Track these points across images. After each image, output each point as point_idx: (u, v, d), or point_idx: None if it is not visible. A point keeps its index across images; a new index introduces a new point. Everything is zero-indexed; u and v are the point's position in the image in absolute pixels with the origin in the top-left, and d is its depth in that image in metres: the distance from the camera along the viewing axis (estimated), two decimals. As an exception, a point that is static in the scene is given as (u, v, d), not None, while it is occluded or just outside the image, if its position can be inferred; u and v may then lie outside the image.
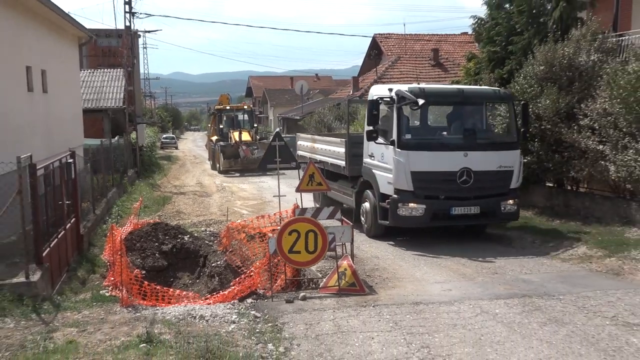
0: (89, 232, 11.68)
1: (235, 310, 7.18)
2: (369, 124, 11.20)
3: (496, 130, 12.75)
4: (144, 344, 5.76)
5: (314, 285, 8.56)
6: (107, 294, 8.29)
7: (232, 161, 27.46)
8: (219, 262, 9.53)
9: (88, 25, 21.61)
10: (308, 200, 12.14)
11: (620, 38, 14.18)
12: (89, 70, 31.52)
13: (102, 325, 6.65)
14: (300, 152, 16.33)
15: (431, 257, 9.99)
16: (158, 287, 8.15)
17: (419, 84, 13.25)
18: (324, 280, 8.43)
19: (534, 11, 15.12)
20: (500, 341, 6.12)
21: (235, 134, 28.10)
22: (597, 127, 11.54)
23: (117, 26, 28.75)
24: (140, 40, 45.86)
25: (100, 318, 6.99)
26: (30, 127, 13.58)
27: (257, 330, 6.50)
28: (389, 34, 41.93)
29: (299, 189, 9.99)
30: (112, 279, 8.65)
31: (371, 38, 41.05)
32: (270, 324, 6.74)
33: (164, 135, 57.55)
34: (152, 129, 43.83)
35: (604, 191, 12.50)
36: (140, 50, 49.03)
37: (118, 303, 7.60)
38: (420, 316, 6.93)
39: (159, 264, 9.79)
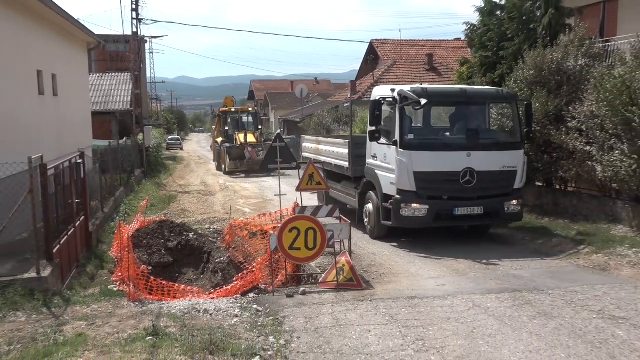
0: (97, 229, 11.67)
1: (238, 305, 7.17)
2: (371, 125, 10.84)
3: (499, 131, 12.22)
4: (151, 337, 5.76)
5: (313, 281, 8.56)
6: (115, 289, 8.28)
7: (237, 162, 27.10)
8: (222, 258, 9.53)
9: (97, 31, 21.62)
10: (308, 200, 12.13)
11: (607, 44, 14.19)
12: (98, 74, 31.55)
13: (110, 318, 6.65)
14: (304, 154, 15.85)
15: (425, 253, 9.97)
16: (164, 283, 8.15)
17: (421, 84, 13.15)
18: (323, 275, 8.43)
19: (524, 18, 15.13)
20: (491, 334, 6.12)
21: (241, 136, 27.73)
22: (584, 129, 11.54)
23: (125, 32, 28.89)
24: (147, 46, 45.83)
25: (108, 312, 6.99)
26: (41, 129, 13.57)
27: (259, 324, 6.49)
28: (386, 39, 41.85)
29: (299, 188, 9.98)
30: (120, 274, 8.65)
31: (368, 43, 40.98)
32: (271, 318, 6.73)
33: (170, 137, 57.43)
34: (158, 131, 43.74)
35: (591, 190, 12.50)
36: (147, 55, 48.94)
37: (125, 297, 7.60)
38: (415, 310, 6.93)
39: (165, 260, 9.78)
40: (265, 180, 23.41)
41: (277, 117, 52.99)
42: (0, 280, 7.35)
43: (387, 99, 10.62)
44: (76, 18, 16.51)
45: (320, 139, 15.58)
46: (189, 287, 8.45)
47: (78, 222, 10.02)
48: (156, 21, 34.66)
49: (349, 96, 36.64)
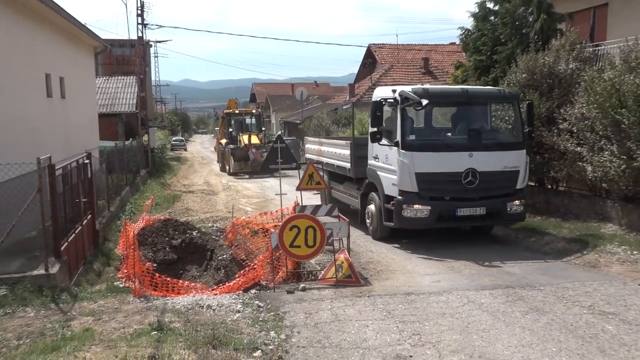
0: (104, 227, 11.66)
1: (240, 301, 7.17)
2: (372, 126, 10.52)
3: (501, 130, 11.76)
4: (155, 332, 5.76)
5: (313, 277, 8.55)
6: (121, 285, 8.28)
7: (242, 163, 26.68)
8: (224, 256, 9.52)
9: (103, 35, 21.63)
10: (308, 199, 12.11)
11: (597, 48, 14.20)
12: (104, 78, 31.55)
13: (116, 314, 6.64)
14: (308, 155, 15.55)
15: (421, 251, 9.96)
16: (168, 279, 8.14)
17: (422, 85, 12.96)
18: (322, 272, 8.43)
19: (517, 23, 15.15)
20: (485, 329, 6.12)
21: (245, 137, 27.19)
22: (575, 131, 11.54)
23: (130, 36, 28.70)
24: (152, 50, 45.76)
25: (114, 307, 6.99)
26: (50, 130, 13.57)
27: (260, 319, 6.49)
28: (383, 44, 41.82)
29: (299, 188, 9.97)
30: (126, 271, 8.64)
31: (366, 48, 40.96)
32: (272, 313, 6.73)
33: (174, 138, 57.47)
34: (163, 132, 43.77)
35: (581, 190, 12.50)
36: (152, 59, 48.86)
37: (131, 294, 7.60)
38: (412, 306, 6.93)
39: (169, 258, 9.77)
40: (266, 180, 23.39)
41: (278, 119, 52.95)
42: (9, 277, 7.35)
43: (389, 100, 10.32)
44: (83, 23, 16.50)
45: (323, 140, 15.25)
46: (192, 284, 8.44)
47: (85, 221, 10.01)
48: (161, 26, 34.83)
49: (347, 99, 36.63)
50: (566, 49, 12.71)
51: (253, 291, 7.72)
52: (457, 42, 21.37)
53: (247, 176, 25.90)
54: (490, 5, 16.98)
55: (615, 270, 8.44)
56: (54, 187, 7.85)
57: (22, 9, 12.04)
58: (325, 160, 13.85)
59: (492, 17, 16.76)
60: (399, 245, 10.42)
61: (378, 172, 10.79)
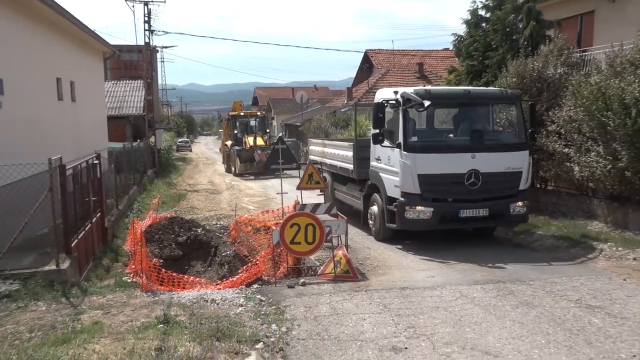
0: (112, 225, 11.65)
1: (243, 295, 7.16)
2: (374, 127, 10.08)
3: (504, 131, 11.26)
4: (162, 325, 5.75)
5: (312, 273, 8.55)
6: (128, 281, 8.27)
7: (247, 165, 26.21)
8: (228, 252, 9.52)
9: (112, 41, 21.57)
10: (308, 197, 12.09)
11: (584, 53, 14.20)
12: (113, 82, 31.53)
13: (124, 308, 6.63)
14: (311, 157, 15.10)
15: (415, 249, 9.96)
16: (174, 274, 8.13)
17: (425, 86, 12.77)
18: (322, 268, 8.43)
19: (507, 30, 15.16)
20: (477, 322, 6.12)
21: (250, 139, 26.74)
22: (563, 133, 11.54)
23: (138, 42, 28.64)
24: (159, 55, 45.81)
25: (122, 302, 6.97)
26: (60, 132, 13.56)
27: (262, 312, 6.48)
28: (379, 49, 41.75)
29: (299, 187, 9.96)
30: (133, 267, 8.63)
31: (363, 53, 40.91)
32: (273, 307, 6.73)
33: (180, 139, 57.35)
34: (169, 134, 43.73)
35: (569, 189, 12.51)
36: (159, 64, 48.90)
37: (138, 288, 7.58)
38: (407, 300, 6.93)
39: (175, 254, 9.76)
40: (268, 179, 23.36)
41: (279, 122, 52.94)
42: (22, 272, 7.34)
43: (390, 101, 9.92)
44: (93, 29, 16.49)
45: (326, 142, 14.79)
46: (197, 279, 8.43)
47: (94, 218, 10.00)
48: (167, 32, 34.93)
49: (345, 102, 36.63)
50: (554, 55, 12.72)
51: (255, 286, 7.71)
52: (451, 47, 21.40)
53: (252, 177, 25.45)
54: (482, 12, 17.04)
55: (601, 266, 8.44)
56: (64, 187, 7.83)
57: (35, 17, 12.02)
58: (328, 161, 13.53)
59: (483, 24, 16.79)
60: (401, 247, 10.04)
61: (380, 174, 10.40)
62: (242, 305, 6.72)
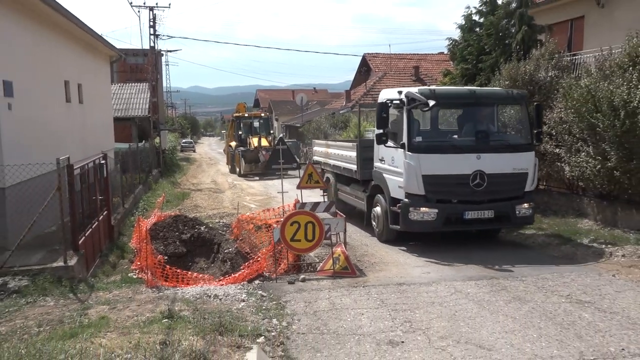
0: (118, 223, 11.64)
1: (245, 290, 7.15)
2: (378, 127, 9.60)
3: (509, 132, 10.68)
4: (166, 319, 5.74)
5: (312, 269, 8.54)
6: (134, 277, 8.25)
7: (252, 165, 25.79)
8: (230, 249, 9.51)
9: (118, 45, 21.57)
10: (307, 196, 12.05)
11: (574, 57, 14.20)
12: (119, 84, 31.53)
13: (130, 303, 6.62)
14: (315, 157, 14.72)
15: (415, 245, 9.94)
16: (178, 271, 8.13)
17: (429, 86, 12.60)
18: (321, 264, 8.42)
19: (500, 34, 15.17)
20: (471, 316, 6.11)
21: (255, 140, 26.19)
22: (554, 134, 11.54)
23: (143, 46, 28.66)
24: (163, 59, 45.82)
25: (128, 297, 6.96)
26: (68, 133, 13.53)
27: (264, 307, 6.47)
28: (377, 53, 41.73)
29: (299, 186, 9.94)
30: (139, 263, 8.62)
31: (361, 57, 40.91)
32: (274, 302, 6.71)
33: (184, 140, 57.30)
34: (173, 135, 43.67)
35: (559, 188, 12.50)
36: (163, 67, 48.82)
37: (144, 284, 7.57)
38: (403, 295, 6.92)
39: (179, 251, 9.75)
40: (269, 179, 23.34)
41: (279, 123, 52.93)
42: (31, 269, 7.33)
43: (394, 101, 9.41)
44: (100, 34, 16.45)
45: (330, 142, 14.23)
46: (200, 275, 8.42)
47: (101, 217, 9.99)
48: (172, 37, 34.92)
49: (344, 104, 36.61)
50: (546, 58, 12.72)
51: (257, 282, 7.70)
52: (445, 51, 21.36)
53: (257, 178, 25.00)
54: (475, 17, 17.05)
55: (591, 263, 8.43)
56: (72, 186, 7.82)
57: (45, 22, 12.00)
58: (331, 162, 13.14)
59: (477, 29, 16.80)
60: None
61: (384, 175, 9.93)
62: (244, 301, 6.71)
